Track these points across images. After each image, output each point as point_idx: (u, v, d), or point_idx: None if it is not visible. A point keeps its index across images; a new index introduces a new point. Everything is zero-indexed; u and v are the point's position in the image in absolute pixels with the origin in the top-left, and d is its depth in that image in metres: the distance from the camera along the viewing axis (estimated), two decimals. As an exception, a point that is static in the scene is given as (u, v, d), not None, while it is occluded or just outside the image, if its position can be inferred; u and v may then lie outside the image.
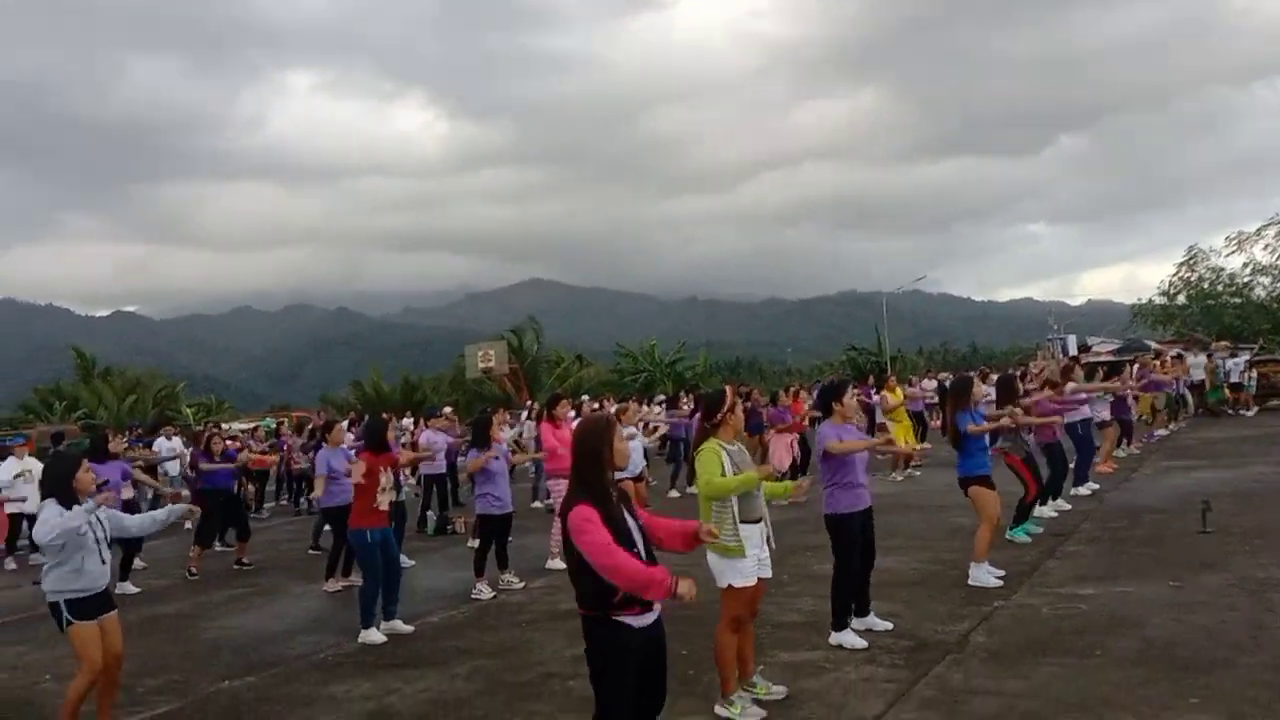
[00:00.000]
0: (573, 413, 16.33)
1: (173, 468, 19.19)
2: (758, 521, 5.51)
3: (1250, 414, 24.76)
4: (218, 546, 13.34)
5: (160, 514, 6.27)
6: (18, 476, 14.22)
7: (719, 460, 5.33)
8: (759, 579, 5.50)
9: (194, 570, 11.91)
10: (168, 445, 19.71)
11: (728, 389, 5.84)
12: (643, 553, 4.07)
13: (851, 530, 6.66)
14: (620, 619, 3.99)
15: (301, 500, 19.94)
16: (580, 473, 4.07)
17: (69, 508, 5.64)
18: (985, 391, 10.52)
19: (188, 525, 14.55)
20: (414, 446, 13.24)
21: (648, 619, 4.06)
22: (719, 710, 5.43)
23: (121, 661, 5.91)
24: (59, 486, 5.72)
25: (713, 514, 5.34)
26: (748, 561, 5.37)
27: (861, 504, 6.71)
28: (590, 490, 4.02)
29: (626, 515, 4.09)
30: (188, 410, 48.02)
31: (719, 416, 5.51)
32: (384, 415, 14.88)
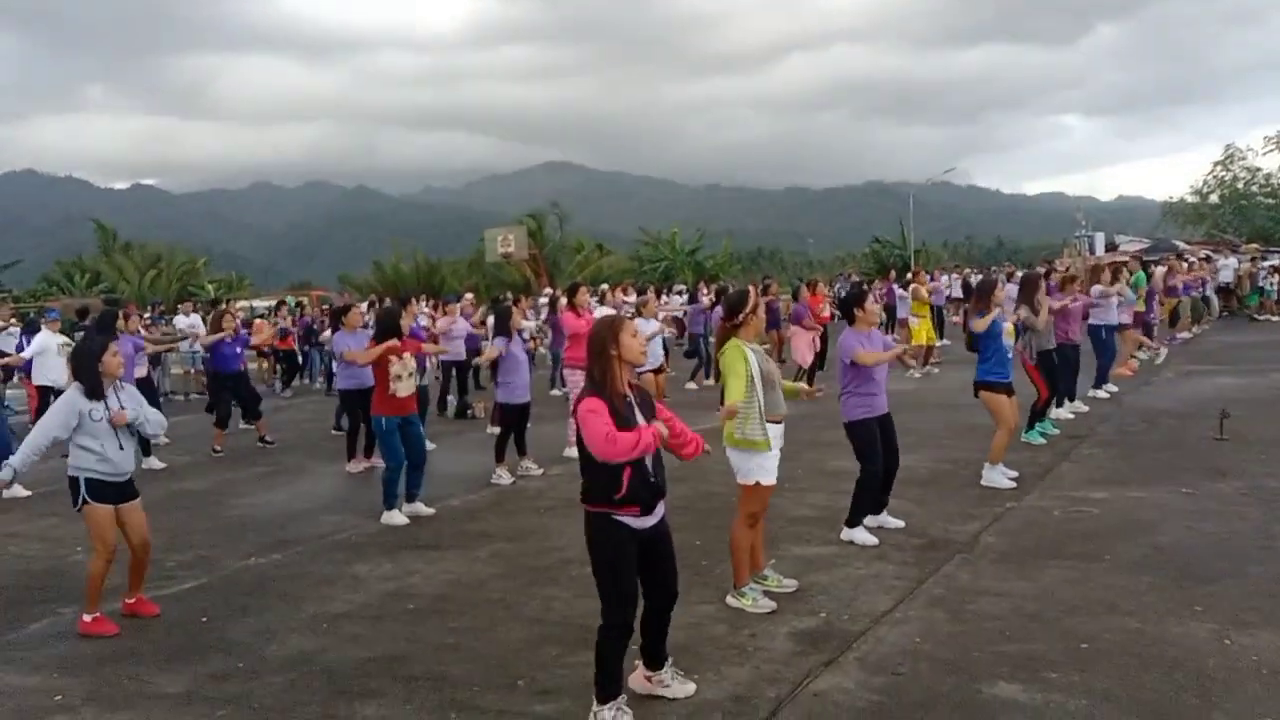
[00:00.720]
0: (595, 299, 16.38)
1: (186, 344, 19.43)
2: (780, 421, 5.55)
3: (1277, 319, 24.54)
4: (242, 424, 13.55)
5: (152, 418, 6.21)
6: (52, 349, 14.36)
7: (744, 360, 5.36)
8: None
9: (218, 448, 12.15)
10: (186, 321, 19.91)
11: (751, 289, 5.80)
12: (648, 457, 4.14)
13: (872, 434, 6.70)
14: (620, 518, 4.10)
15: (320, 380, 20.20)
16: (591, 370, 4.17)
17: (92, 397, 5.72)
18: (1009, 292, 10.41)
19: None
20: (433, 336, 13.28)
21: (648, 521, 4.18)
22: (730, 601, 5.57)
23: (149, 549, 6.02)
24: (85, 371, 5.79)
25: (738, 411, 5.39)
26: (772, 457, 5.45)
27: (879, 410, 6.74)
28: (600, 386, 4.10)
29: (640, 417, 4.15)
30: (209, 286, 48.21)
31: (741, 317, 5.50)
32: (403, 299, 14.90)
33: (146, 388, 11.63)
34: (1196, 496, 7.52)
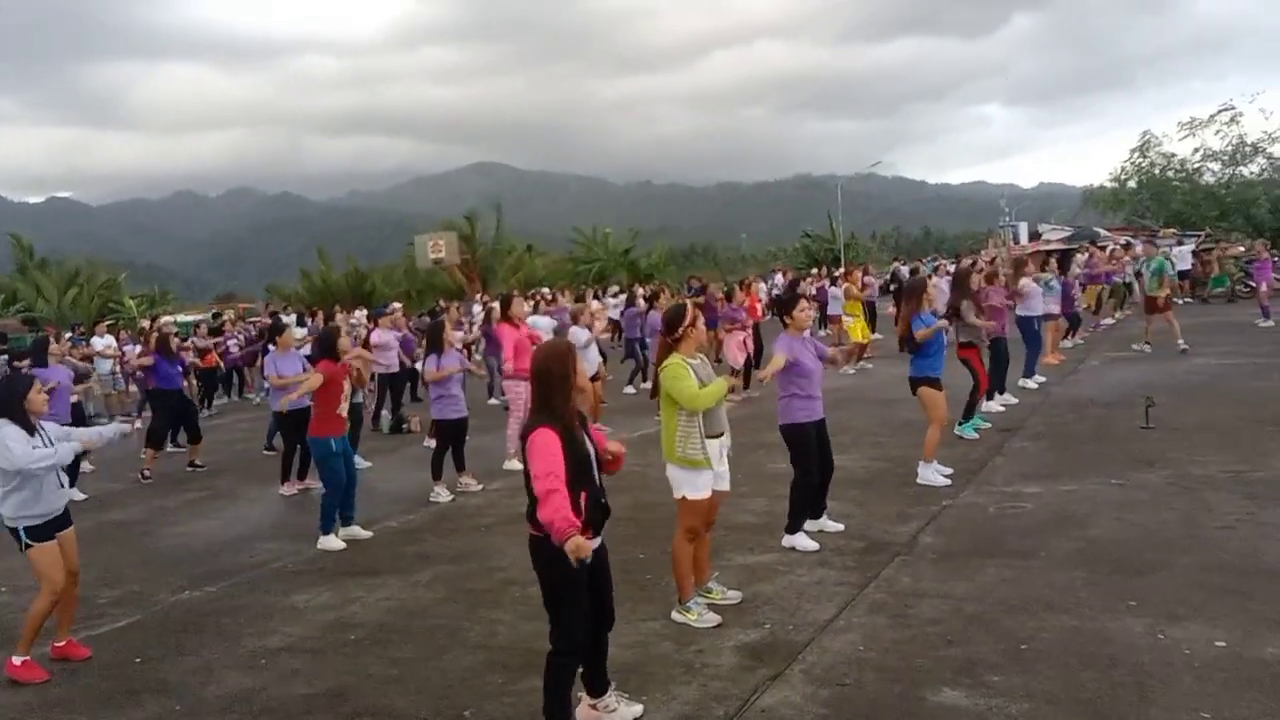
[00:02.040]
0: (529, 306, 16.27)
1: (104, 366, 18.91)
2: (720, 436, 5.56)
3: (1183, 302, 25.24)
4: (169, 448, 13.22)
5: (108, 431, 6.16)
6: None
7: (689, 375, 5.34)
8: (717, 491, 5.57)
9: (147, 473, 11.84)
10: (102, 342, 19.38)
11: (688, 304, 5.80)
12: (598, 478, 4.12)
13: (808, 439, 6.75)
14: None
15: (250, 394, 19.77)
16: (545, 398, 4.08)
17: (30, 431, 5.54)
18: (941, 285, 10.55)
19: (136, 425, 14.41)
20: (368, 345, 13.09)
21: (595, 543, 4.14)
22: (676, 616, 5.56)
23: (78, 577, 5.88)
24: (13, 408, 5.59)
25: (678, 429, 5.37)
26: (708, 474, 5.44)
27: (816, 414, 6.79)
28: (555, 415, 4.04)
29: (586, 440, 4.12)
30: (131, 302, 46.84)
31: (680, 331, 5.48)
32: (335, 309, 14.66)
33: (76, 412, 11.31)
34: (1126, 487, 7.70)
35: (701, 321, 5.65)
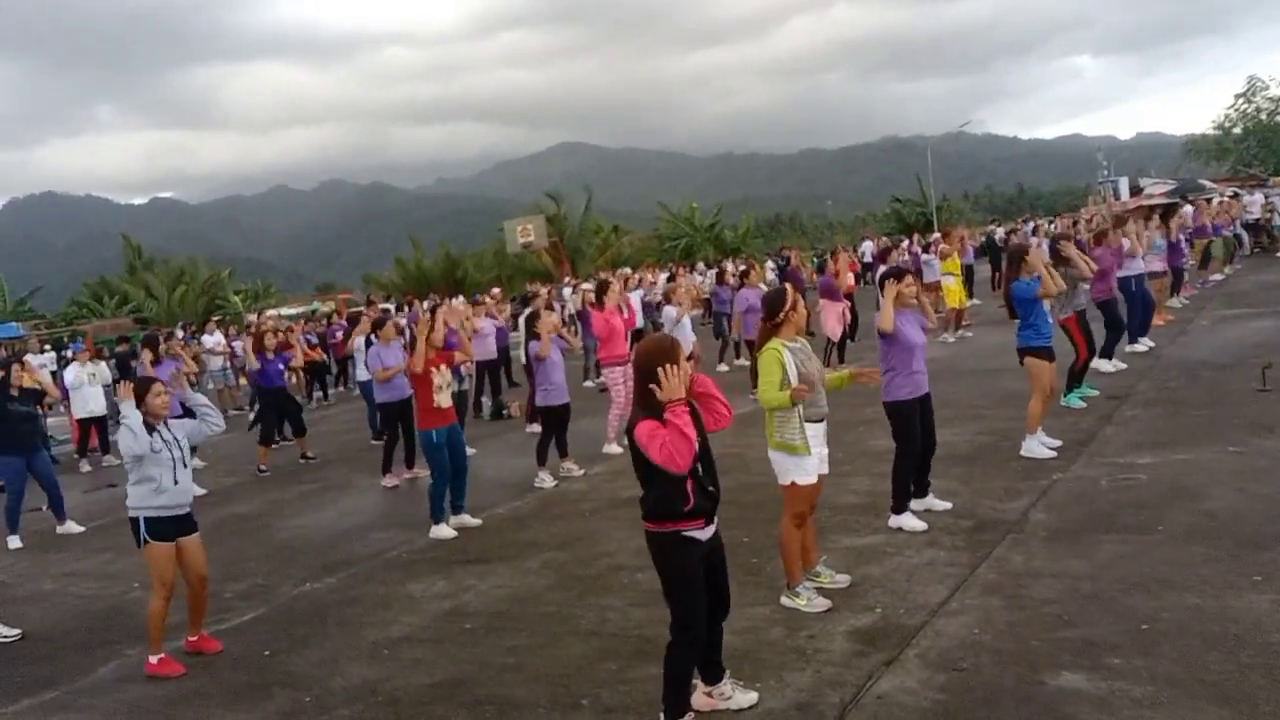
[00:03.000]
0: (619, 286, 16.35)
1: (215, 362, 19.65)
2: (821, 420, 5.55)
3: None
4: (280, 442, 13.69)
5: (211, 416, 6.39)
6: (85, 381, 14.58)
7: (780, 366, 5.32)
8: (819, 475, 5.56)
9: (263, 467, 12.29)
10: (211, 340, 20.13)
11: (788, 288, 5.77)
12: (703, 467, 4.15)
13: (912, 416, 6.68)
14: (688, 533, 4.11)
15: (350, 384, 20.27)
16: (645, 395, 4.12)
17: (148, 430, 5.81)
18: (1042, 255, 10.24)
19: (247, 412, 14.95)
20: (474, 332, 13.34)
21: (710, 530, 4.19)
22: (785, 601, 5.59)
23: (206, 583, 6.11)
24: (140, 401, 5.88)
25: (777, 414, 5.38)
26: (812, 459, 5.43)
27: (920, 390, 6.71)
28: (655, 408, 4.07)
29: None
30: (235, 298, 48.55)
31: (781, 316, 5.47)
32: (432, 307, 14.94)
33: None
34: (1245, 455, 7.44)
35: (802, 305, 5.63)
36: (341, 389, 21.15)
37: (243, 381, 19.84)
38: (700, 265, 31.61)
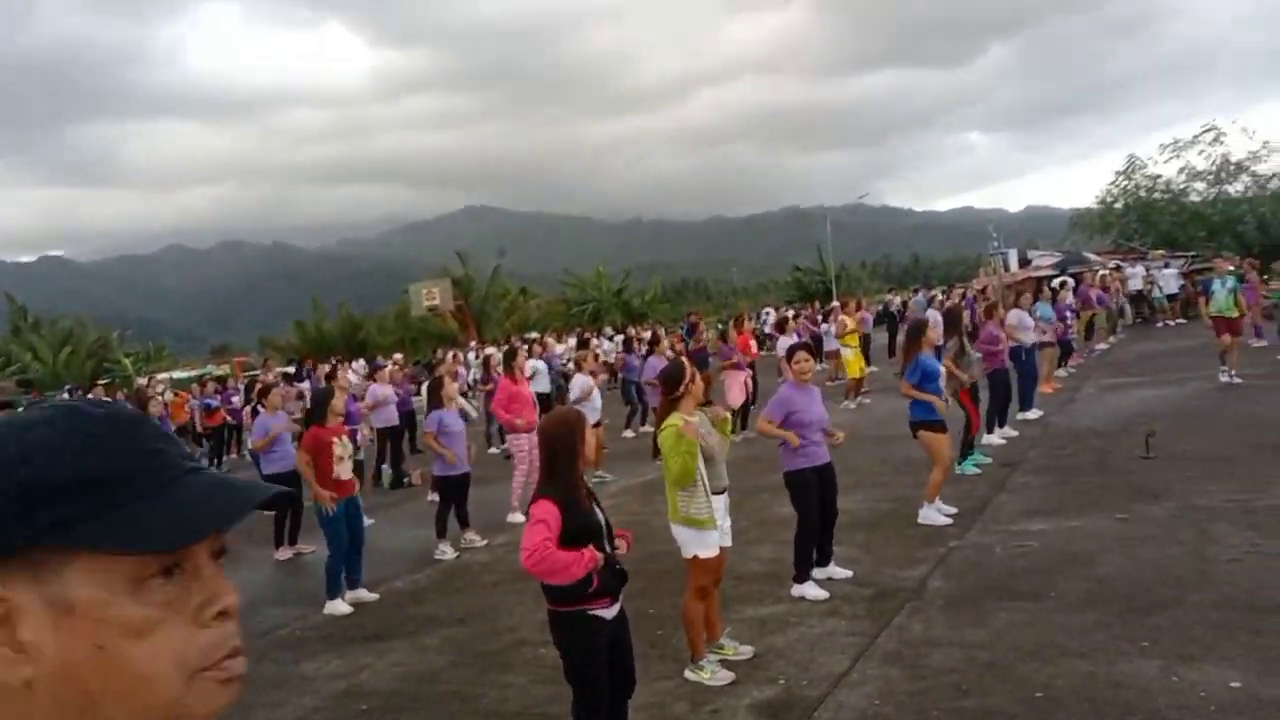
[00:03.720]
0: (529, 360, 16.30)
1: None
2: (723, 492, 5.58)
3: (1175, 323, 25.34)
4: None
5: None
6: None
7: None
8: (721, 548, 5.57)
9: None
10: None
11: (685, 361, 5.82)
12: (608, 545, 4.13)
13: (809, 485, 6.75)
14: (593, 612, 4.06)
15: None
16: (553, 467, 4.09)
17: None
18: (937, 331, 10.55)
19: None
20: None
21: (615, 609, 4.14)
22: (689, 675, 5.54)
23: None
24: None
25: (681, 491, 5.37)
26: (714, 533, 5.44)
27: (819, 460, 6.80)
28: (560, 485, 4.05)
29: (597, 510, 4.14)
30: (125, 360, 46.85)
31: (681, 389, 5.50)
32: (328, 374, 14.68)
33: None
34: (1131, 522, 7.70)
35: (700, 377, 5.67)
36: (235, 455, 20.51)
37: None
38: (608, 331, 31.72)
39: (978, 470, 10.20)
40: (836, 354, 19.04)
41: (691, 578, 5.50)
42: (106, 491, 0.79)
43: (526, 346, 17.95)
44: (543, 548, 3.83)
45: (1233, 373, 13.99)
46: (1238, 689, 4.61)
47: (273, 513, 10.69)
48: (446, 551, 9.31)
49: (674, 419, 5.43)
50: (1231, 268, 16.08)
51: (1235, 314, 14.40)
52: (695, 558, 5.43)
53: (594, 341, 22.88)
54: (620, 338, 24.49)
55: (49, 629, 0.76)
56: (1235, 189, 39.07)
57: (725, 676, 5.47)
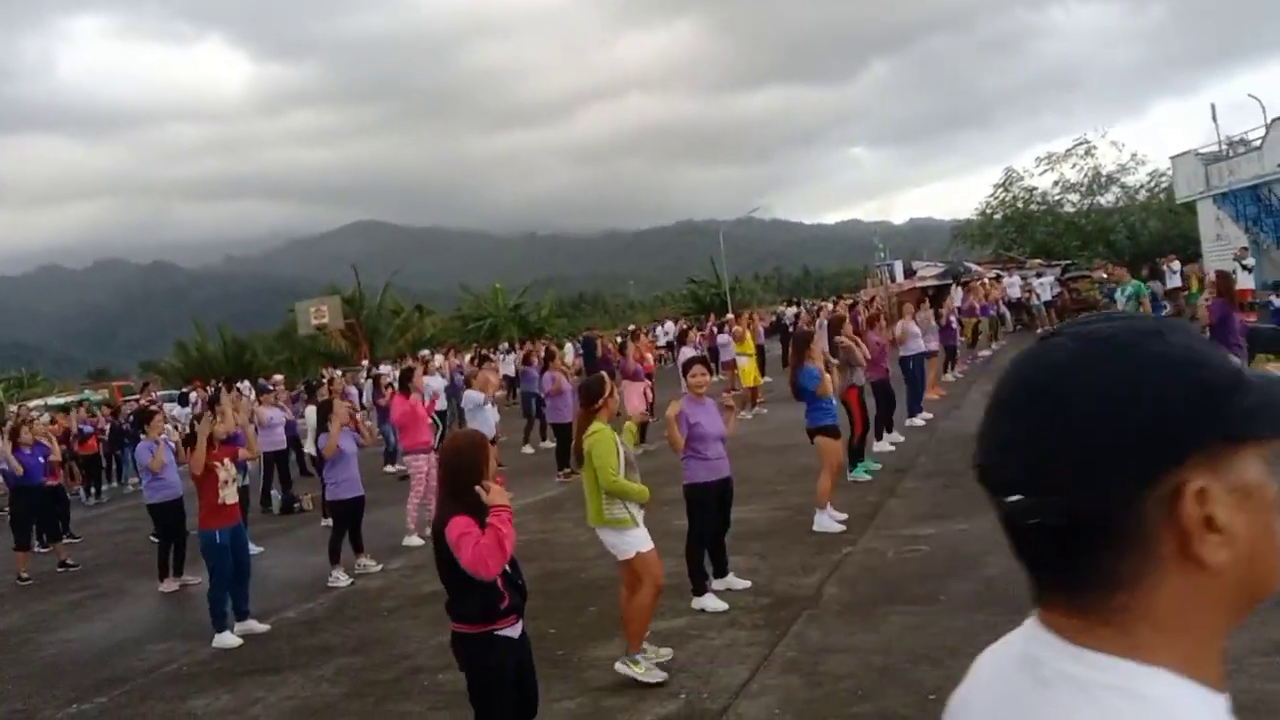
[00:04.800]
0: (425, 377, 16.07)
1: None
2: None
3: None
4: (37, 548, 12.40)
5: None
6: None
7: (614, 448, 5.56)
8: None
9: (24, 575, 11.20)
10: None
11: (604, 377, 6.03)
12: (505, 565, 4.09)
13: (708, 500, 6.82)
14: (501, 633, 4.01)
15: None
16: (455, 489, 4.04)
17: None
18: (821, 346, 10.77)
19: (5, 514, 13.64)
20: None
21: (519, 628, 4.11)
22: (620, 667, 5.61)
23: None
24: None
25: (603, 492, 5.48)
26: (641, 529, 5.60)
27: (719, 474, 6.87)
28: (467, 504, 4.00)
29: None
30: (-5, 387, 44.64)
31: (600, 403, 5.77)
32: (210, 399, 14.21)
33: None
34: (1015, 523, 7.95)
35: (616, 393, 5.87)
36: (114, 485, 19.70)
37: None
38: (504, 345, 31.48)
39: (869, 476, 10.43)
40: (733, 364, 19.29)
41: (642, 575, 5.58)
42: (1264, 389, 0.86)
43: (423, 365, 17.69)
44: (481, 549, 3.80)
45: None
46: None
47: (157, 541, 10.32)
48: (340, 578, 9.08)
49: (599, 426, 5.66)
50: (1132, 277, 16.95)
51: None
52: (638, 554, 5.56)
53: (489, 371, 22.68)
54: (516, 353, 24.34)
55: (1236, 513, 0.83)
56: (1106, 200, 41.02)
57: (658, 675, 5.57)
